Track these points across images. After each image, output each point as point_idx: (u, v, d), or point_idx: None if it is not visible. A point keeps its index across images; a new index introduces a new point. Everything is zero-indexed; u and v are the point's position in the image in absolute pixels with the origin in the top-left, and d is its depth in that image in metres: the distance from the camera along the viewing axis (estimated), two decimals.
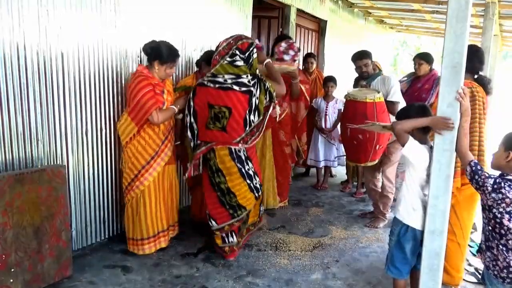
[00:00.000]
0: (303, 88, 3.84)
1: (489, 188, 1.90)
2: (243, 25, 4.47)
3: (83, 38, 2.83)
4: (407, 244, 2.29)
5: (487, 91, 2.93)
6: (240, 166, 2.96)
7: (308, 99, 4.53)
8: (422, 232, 2.22)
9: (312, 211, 4.32)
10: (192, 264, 3.02)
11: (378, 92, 3.56)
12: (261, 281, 2.86)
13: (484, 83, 2.90)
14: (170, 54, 2.87)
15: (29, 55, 2.52)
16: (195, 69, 3.65)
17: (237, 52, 2.86)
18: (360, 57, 3.96)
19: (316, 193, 4.98)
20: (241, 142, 2.94)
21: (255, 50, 2.93)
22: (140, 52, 3.27)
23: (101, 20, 2.92)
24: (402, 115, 2.37)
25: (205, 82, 2.91)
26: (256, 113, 2.95)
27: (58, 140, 2.78)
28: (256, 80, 2.92)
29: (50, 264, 2.56)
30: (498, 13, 6.08)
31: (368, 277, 2.99)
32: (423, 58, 4.08)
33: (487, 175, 1.93)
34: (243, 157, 2.99)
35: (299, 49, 3.77)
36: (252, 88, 2.88)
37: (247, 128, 2.93)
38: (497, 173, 1.99)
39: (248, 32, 4.56)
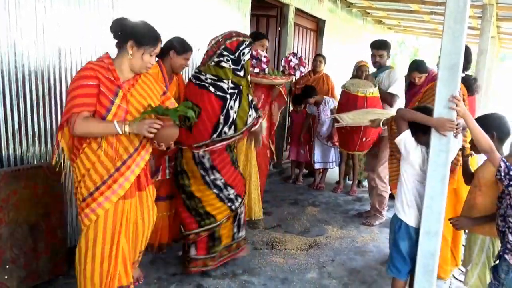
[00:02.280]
0: (281, 89, 3.79)
1: None
2: (242, 24, 4.46)
3: (80, 35, 2.81)
4: (402, 242, 2.29)
5: (472, 90, 2.94)
6: (204, 173, 2.70)
7: (286, 99, 4.39)
8: (417, 231, 2.23)
9: (308, 210, 4.33)
10: None
11: (374, 87, 3.60)
12: (257, 279, 2.86)
13: (469, 83, 2.91)
14: (150, 34, 2.09)
15: (25, 51, 2.51)
16: (194, 68, 3.64)
17: (225, 53, 2.61)
18: (378, 46, 3.99)
19: (312, 193, 4.99)
20: (203, 147, 2.65)
21: (247, 50, 2.67)
22: None
23: (99, 16, 2.91)
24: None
25: (191, 78, 2.72)
26: (233, 127, 2.66)
27: (55, 138, 2.76)
28: (236, 91, 2.64)
29: (46, 261, 2.55)
30: (496, 15, 6.10)
31: (363, 277, 3.00)
32: (421, 71, 4.01)
33: None
34: (207, 165, 2.69)
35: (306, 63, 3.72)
36: (227, 96, 2.61)
37: (215, 136, 2.62)
38: None
39: (246, 31, 4.56)
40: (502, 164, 1.96)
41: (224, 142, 2.69)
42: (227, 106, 2.62)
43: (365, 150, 3.89)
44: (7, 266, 2.33)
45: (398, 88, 3.82)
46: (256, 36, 3.78)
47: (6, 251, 2.32)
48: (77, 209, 2.13)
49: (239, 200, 2.85)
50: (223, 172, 2.75)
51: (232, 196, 2.79)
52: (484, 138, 2.03)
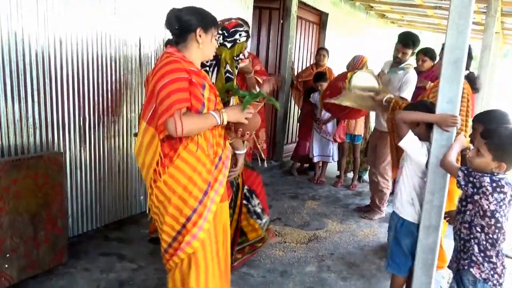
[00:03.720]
0: (259, 80, 3.67)
1: (489, 189, 1.72)
2: (244, 16, 4.42)
3: (82, 25, 2.80)
4: (404, 239, 2.29)
5: (475, 89, 2.90)
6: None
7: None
8: (418, 227, 2.23)
9: (308, 204, 4.34)
10: None
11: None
12: (256, 272, 2.87)
13: (472, 81, 2.87)
14: (210, 14, 1.92)
15: (26, 41, 2.50)
16: None
17: (220, 32, 2.38)
18: (405, 44, 3.69)
19: (313, 187, 5.00)
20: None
21: (243, 33, 2.45)
22: (140, 40, 3.24)
23: (101, 7, 2.89)
24: (409, 109, 2.37)
25: None
26: None
27: (55, 128, 2.76)
28: (215, 61, 2.35)
29: (46, 250, 2.56)
30: (501, 11, 6.05)
31: (362, 271, 3.01)
32: (427, 54, 3.97)
33: (480, 174, 1.76)
34: None
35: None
36: (207, 68, 2.34)
37: None
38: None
39: (248, 23, 4.53)
40: (460, 174, 1.82)
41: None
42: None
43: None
44: (7, 255, 2.34)
45: (408, 91, 3.68)
46: None
47: (6, 240, 2.33)
48: (174, 229, 1.82)
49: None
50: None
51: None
52: (455, 155, 2.00)
